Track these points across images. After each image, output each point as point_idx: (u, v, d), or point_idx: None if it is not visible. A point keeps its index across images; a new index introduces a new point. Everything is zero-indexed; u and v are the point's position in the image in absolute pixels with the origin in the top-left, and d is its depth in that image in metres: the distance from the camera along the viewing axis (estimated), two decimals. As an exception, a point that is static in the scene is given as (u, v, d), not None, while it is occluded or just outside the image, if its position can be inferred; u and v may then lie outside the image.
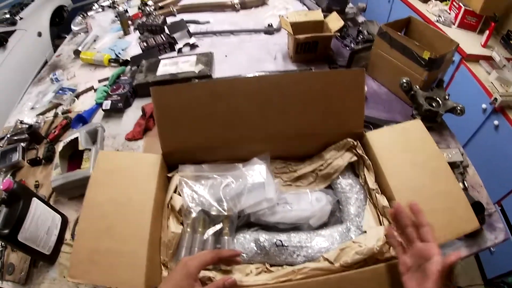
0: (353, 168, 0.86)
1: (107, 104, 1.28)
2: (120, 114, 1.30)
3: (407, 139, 0.80)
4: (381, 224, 0.74)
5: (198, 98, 0.76)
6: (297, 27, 1.41)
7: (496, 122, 1.60)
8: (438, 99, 1.14)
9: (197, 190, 0.76)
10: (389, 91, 1.32)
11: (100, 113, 1.32)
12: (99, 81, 1.48)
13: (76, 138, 1.08)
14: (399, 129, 0.83)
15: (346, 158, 0.82)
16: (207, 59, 1.40)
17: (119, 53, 1.63)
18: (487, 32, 1.83)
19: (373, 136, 0.81)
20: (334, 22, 1.39)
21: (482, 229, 0.92)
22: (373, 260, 0.65)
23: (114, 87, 1.35)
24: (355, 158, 0.82)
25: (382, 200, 0.74)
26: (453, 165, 1.02)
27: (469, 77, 1.76)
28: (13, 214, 0.76)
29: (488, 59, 1.80)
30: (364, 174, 0.80)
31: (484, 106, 1.65)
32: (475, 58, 1.81)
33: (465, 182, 1.00)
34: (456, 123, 1.22)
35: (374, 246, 0.64)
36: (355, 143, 0.82)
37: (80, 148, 1.06)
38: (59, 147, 1.09)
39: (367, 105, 1.26)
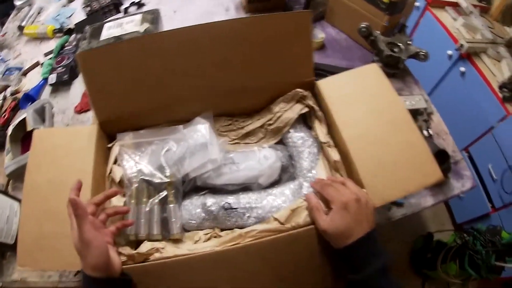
0: (306, 121, 0.80)
1: (52, 78, 1.20)
2: (67, 86, 1.22)
3: (362, 86, 0.74)
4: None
5: (129, 57, 0.68)
6: (249, -27, 1.30)
7: (462, 69, 1.57)
8: (400, 44, 1.08)
9: (136, 158, 0.70)
10: (349, 37, 1.25)
11: (48, 89, 1.24)
12: (45, 54, 1.37)
13: (25, 119, 1.03)
14: (354, 75, 0.76)
15: (296, 110, 0.76)
16: (153, 16, 1.28)
17: (63, 22, 1.49)
18: (453, -23, 1.76)
19: (325, 85, 0.74)
20: (288, -34, 1.29)
21: (447, 177, 0.90)
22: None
23: (59, 59, 1.26)
24: (306, 109, 0.76)
25: (334, 155, 0.69)
26: (416, 112, 0.99)
27: (434, 24, 1.71)
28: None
29: (455, 5, 1.75)
30: (316, 126, 0.75)
31: (450, 52, 1.61)
32: (441, 4, 1.75)
33: (429, 129, 0.97)
34: (422, 70, 1.18)
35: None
36: (305, 93, 0.76)
37: (29, 128, 1.02)
38: (9, 130, 1.03)
39: (325, 53, 1.21)
